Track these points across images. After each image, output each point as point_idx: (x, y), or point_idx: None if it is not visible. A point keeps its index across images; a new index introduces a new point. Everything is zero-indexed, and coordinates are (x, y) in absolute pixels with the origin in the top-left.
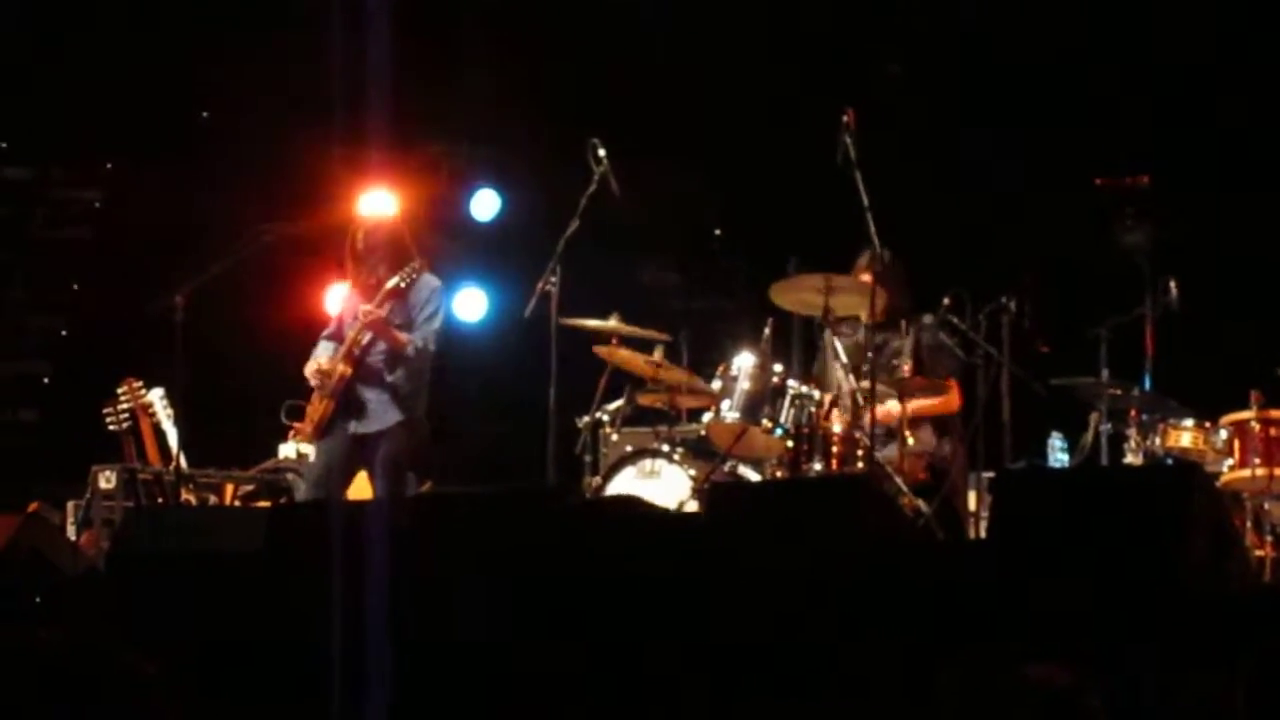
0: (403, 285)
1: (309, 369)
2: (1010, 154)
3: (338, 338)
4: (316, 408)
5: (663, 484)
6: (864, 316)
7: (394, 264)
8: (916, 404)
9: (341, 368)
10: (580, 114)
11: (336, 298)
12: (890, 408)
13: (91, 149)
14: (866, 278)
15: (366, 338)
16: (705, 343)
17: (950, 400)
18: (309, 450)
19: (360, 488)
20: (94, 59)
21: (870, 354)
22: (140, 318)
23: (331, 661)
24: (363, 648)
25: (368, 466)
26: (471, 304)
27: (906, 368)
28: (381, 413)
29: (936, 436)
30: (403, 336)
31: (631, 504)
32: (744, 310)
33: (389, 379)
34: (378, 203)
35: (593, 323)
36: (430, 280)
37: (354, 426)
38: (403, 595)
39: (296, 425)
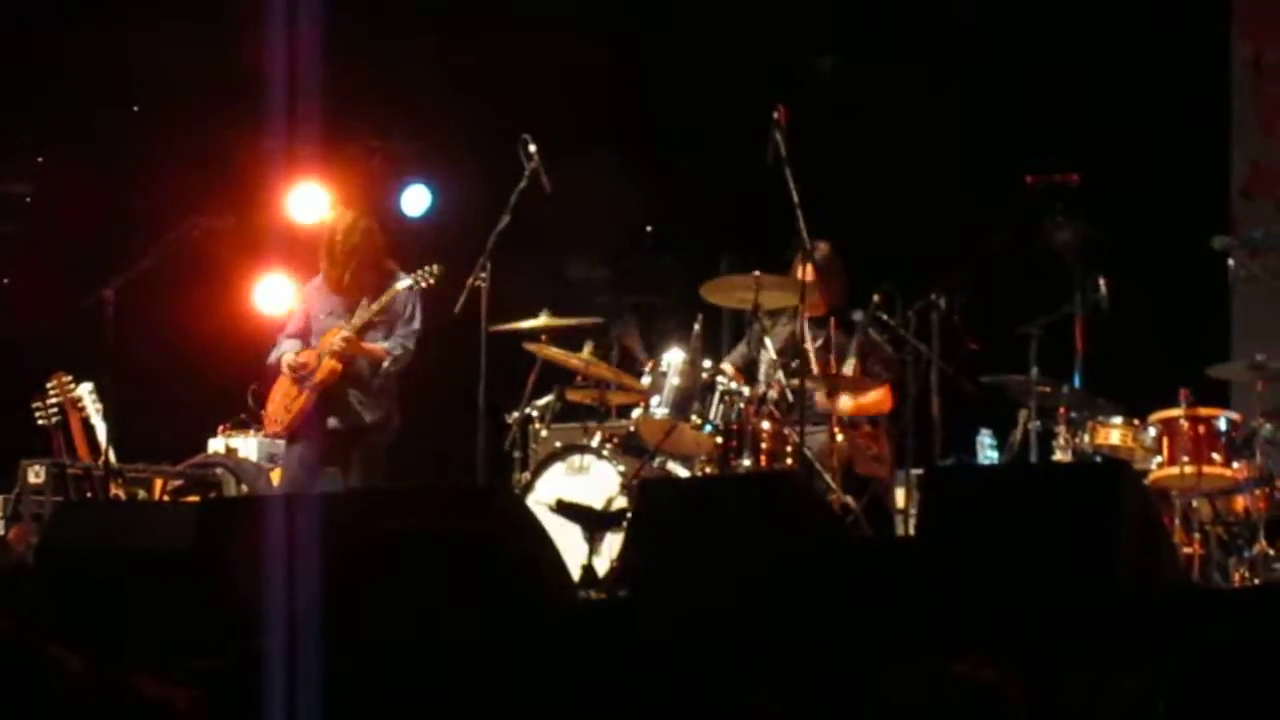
0: (410, 291)
1: (286, 361)
2: (941, 151)
3: (302, 336)
4: (295, 400)
5: (592, 480)
6: (799, 310)
7: (368, 266)
8: (850, 401)
9: (331, 363)
10: (512, 110)
11: (293, 293)
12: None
13: (21, 143)
14: (804, 272)
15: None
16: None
17: (883, 401)
18: (240, 445)
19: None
20: (23, 53)
21: (805, 346)
22: (70, 312)
23: (261, 659)
24: (294, 646)
25: (342, 463)
26: None
27: (850, 365)
28: (360, 410)
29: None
30: (379, 348)
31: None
32: (674, 307)
33: (369, 379)
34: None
35: (523, 324)
36: (406, 282)
37: (332, 423)
38: (335, 593)
39: (265, 414)
